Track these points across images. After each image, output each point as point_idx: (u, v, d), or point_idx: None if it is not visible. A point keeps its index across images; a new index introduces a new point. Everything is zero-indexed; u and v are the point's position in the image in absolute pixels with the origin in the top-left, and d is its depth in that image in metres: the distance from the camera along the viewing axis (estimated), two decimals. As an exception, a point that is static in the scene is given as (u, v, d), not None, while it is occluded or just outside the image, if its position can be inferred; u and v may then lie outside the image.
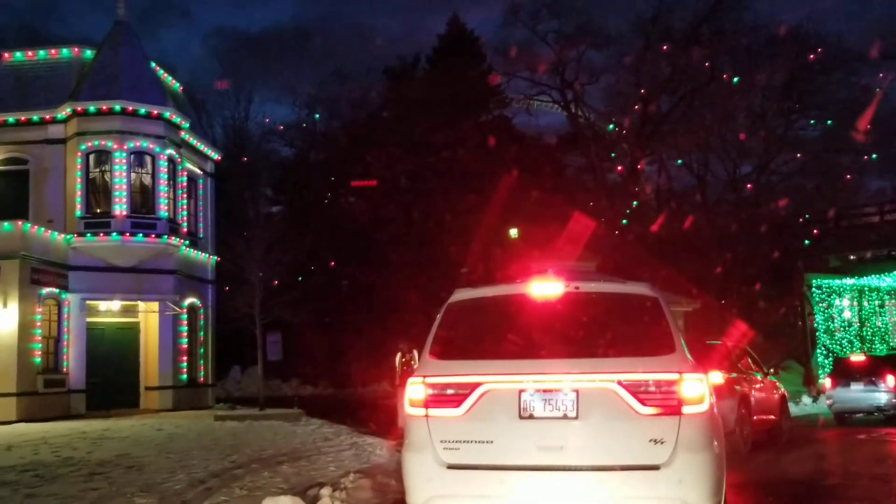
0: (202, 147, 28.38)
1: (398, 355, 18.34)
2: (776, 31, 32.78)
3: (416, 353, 18.02)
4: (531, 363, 5.64)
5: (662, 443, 5.30)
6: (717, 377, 12.41)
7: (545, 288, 5.96)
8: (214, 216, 29.16)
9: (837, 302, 36.16)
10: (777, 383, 16.29)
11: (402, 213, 41.46)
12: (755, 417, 14.02)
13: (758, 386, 14.77)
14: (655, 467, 5.29)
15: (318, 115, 48.86)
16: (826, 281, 35.23)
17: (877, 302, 37.65)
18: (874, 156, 34.72)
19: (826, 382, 20.90)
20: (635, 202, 36.74)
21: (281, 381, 40.06)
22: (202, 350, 27.31)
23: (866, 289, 36.79)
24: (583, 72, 38.32)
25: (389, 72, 46.36)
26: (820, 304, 35.55)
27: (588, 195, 38.60)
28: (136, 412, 23.67)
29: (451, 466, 5.57)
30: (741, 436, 13.08)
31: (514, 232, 37.72)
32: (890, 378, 18.87)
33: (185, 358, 25.87)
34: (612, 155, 37.67)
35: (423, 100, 40.87)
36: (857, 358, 21.26)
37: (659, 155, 38.01)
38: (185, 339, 26.00)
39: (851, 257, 35.21)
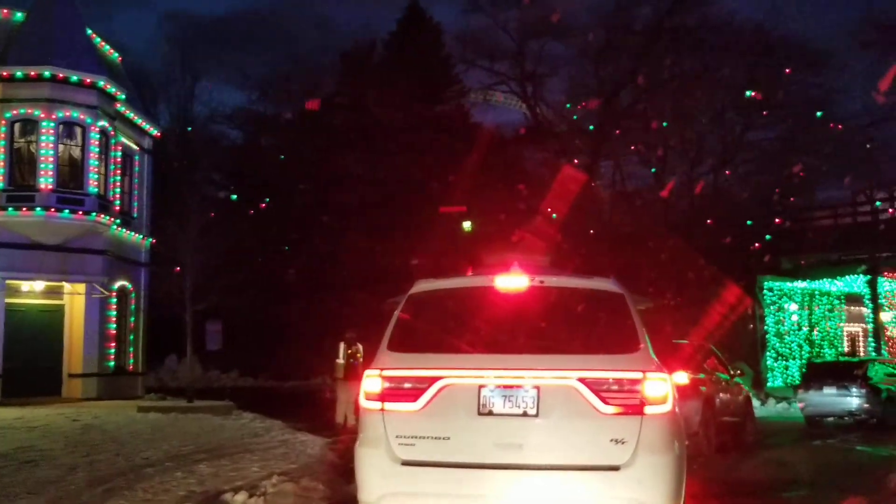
0: (140, 121, 26.73)
1: (342, 346, 17.23)
2: (739, 28, 32.25)
3: (360, 346, 16.99)
4: (492, 358, 5.49)
5: (623, 443, 5.19)
6: (683, 377, 12.14)
7: (509, 281, 5.80)
8: (151, 195, 27.56)
9: (788, 305, 35.93)
10: (742, 385, 15.97)
11: (355, 203, 40.20)
12: (720, 419, 13.73)
13: (723, 387, 14.45)
14: (615, 468, 5.17)
15: (269, 99, 47.40)
16: (778, 283, 34.89)
17: (827, 307, 37.56)
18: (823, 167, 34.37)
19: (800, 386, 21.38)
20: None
21: (220, 372, 38.67)
22: (132, 336, 25.79)
23: (817, 293, 36.62)
24: (543, 63, 37.47)
25: (345, 57, 45.07)
26: (771, 307, 35.22)
27: (545, 190, 37.77)
28: (57, 401, 22.03)
29: (406, 463, 5.38)
30: (705, 437, 12.85)
31: (467, 225, 36.85)
32: (864, 383, 19.18)
33: (112, 344, 24.31)
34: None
35: (378, 86, 39.76)
36: (830, 362, 21.99)
37: (616, 151, 37.29)
38: (114, 325, 24.45)
39: (803, 261, 34.90)
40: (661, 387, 5.33)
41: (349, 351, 17.07)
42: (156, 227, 26.33)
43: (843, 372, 20.05)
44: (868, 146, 32.27)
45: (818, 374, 20.58)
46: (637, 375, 5.29)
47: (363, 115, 39.79)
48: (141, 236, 26.55)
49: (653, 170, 34.50)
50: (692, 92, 32.70)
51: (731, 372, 15.55)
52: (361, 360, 16.47)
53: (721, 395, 14.14)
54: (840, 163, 33.26)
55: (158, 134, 28.37)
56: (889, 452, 14.65)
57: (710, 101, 33.23)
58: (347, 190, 39.88)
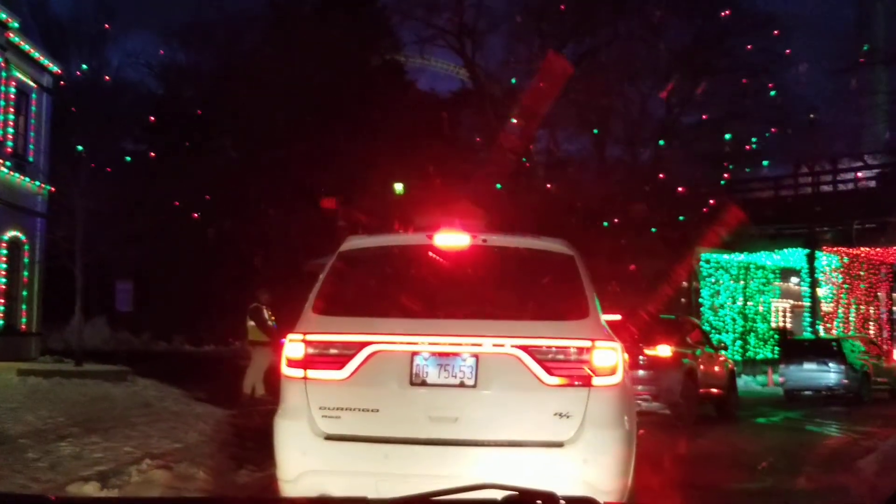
0: (38, 56, 24.02)
1: (264, 308, 15.47)
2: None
3: (267, 311, 15.30)
4: (427, 323, 5.11)
5: (569, 417, 4.85)
6: (666, 350, 12.78)
7: (449, 239, 5.36)
8: (50, 139, 25.00)
9: (725, 279, 35.36)
10: (726, 358, 16.40)
11: (279, 162, 38.15)
12: (701, 391, 14.12)
13: (706, 360, 14.90)
14: (559, 444, 4.84)
15: (189, 47, 44.72)
16: (715, 255, 34.21)
17: (762, 280, 37.17)
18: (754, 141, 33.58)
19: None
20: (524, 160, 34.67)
21: (130, 334, 36.34)
22: (25, 293, 23.42)
23: (753, 266, 36.15)
24: (483, 17, 35.69)
25: (275, 2, 42.72)
26: (707, 279, 34.57)
27: (480, 154, 36.38)
28: (-67, 362, 19.75)
29: (330, 437, 4.94)
30: (686, 408, 13.32)
31: (399, 187, 35.35)
32: (841, 360, 20.11)
33: (1, 301, 22.00)
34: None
35: (309, 36, 37.64)
36: (810, 339, 23.37)
37: (555, 115, 35.92)
38: (3, 279, 22.09)
39: (743, 232, 34.22)
40: (611, 356, 4.99)
41: (270, 314, 15.42)
42: (56, 175, 23.86)
43: (821, 349, 20.99)
44: (811, 116, 31.57)
45: (797, 350, 21.77)
46: (585, 344, 4.94)
47: (291, 67, 37.63)
48: (38, 183, 24.03)
49: (595, 131, 33.20)
50: (637, 52, 31.47)
51: (716, 345, 16.26)
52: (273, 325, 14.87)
53: (703, 367, 14.54)
54: (783, 132, 32.48)
55: (60, 71, 25.67)
56: (847, 431, 14.36)
57: (656, 61, 32.04)
58: (271, 148, 37.77)
